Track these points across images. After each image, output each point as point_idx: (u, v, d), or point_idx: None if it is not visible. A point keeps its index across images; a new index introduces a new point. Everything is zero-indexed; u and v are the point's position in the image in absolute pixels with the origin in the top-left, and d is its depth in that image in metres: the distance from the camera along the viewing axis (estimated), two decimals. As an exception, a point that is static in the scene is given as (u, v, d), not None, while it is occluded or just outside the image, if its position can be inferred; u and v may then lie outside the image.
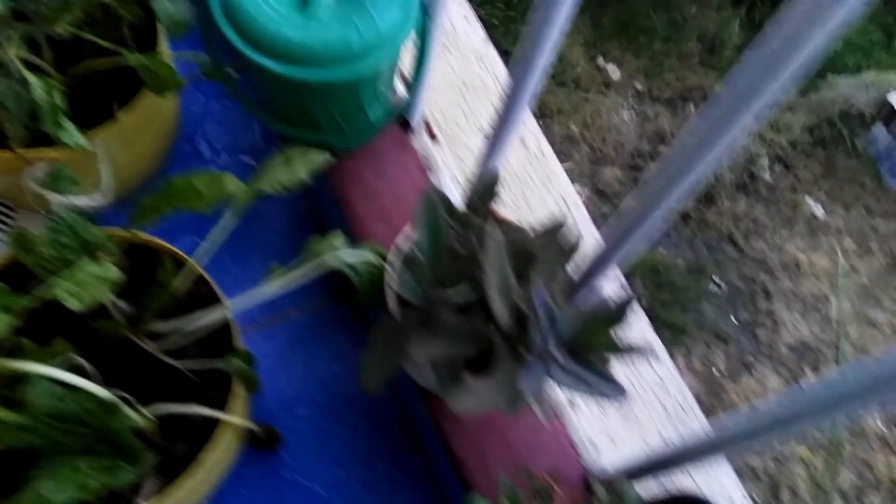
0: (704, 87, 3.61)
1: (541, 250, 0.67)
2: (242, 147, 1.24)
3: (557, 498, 0.65)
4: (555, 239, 0.67)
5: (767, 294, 3.16)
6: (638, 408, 0.89)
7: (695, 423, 0.89)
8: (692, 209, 3.37)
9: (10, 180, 0.99)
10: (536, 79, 0.68)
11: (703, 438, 0.64)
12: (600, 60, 3.72)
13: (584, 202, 1.07)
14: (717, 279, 3.16)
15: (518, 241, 0.70)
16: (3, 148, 0.93)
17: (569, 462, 0.84)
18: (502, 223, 0.76)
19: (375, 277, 0.82)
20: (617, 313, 0.57)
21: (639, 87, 3.69)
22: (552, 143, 1.08)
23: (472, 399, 0.61)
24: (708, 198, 3.40)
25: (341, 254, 0.83)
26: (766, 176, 3.48)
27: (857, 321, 3.15)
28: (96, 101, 1.05)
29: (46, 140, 0.90)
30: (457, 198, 0.96)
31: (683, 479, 0.84)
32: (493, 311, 0.64)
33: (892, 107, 3.30)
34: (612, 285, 0.71)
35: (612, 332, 0.57)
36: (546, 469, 0.69)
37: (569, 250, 0.67)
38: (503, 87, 0.70)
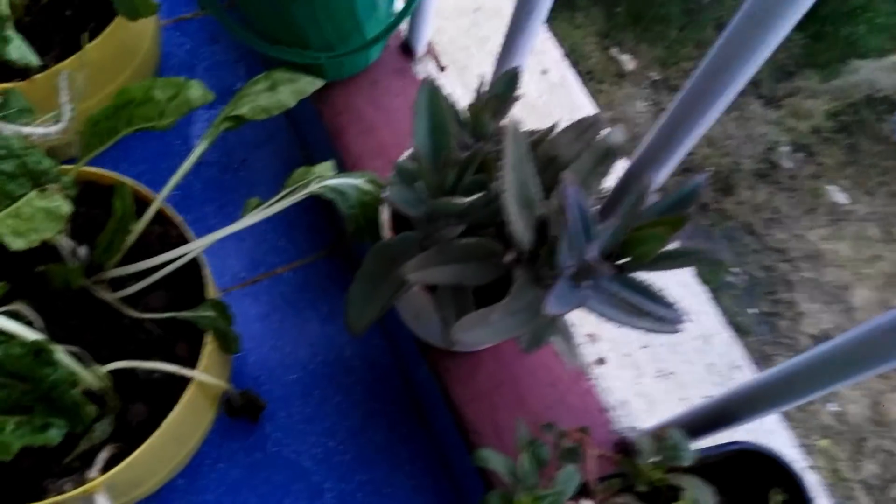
0: (723, 70, 3.49)
1: (571, 153, 0.54)
2: (230, 92, 1.12)
3: (590, 457, 0.52)
4: (589, 139, 0.55)
5: (788, 284, 3.04)
6: (678, 365, 0.76)
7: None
8: (710, 199, 3.26)
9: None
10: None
11: (758, 384, 0.52)
12: (614, 51, 3.60)
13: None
14: (736, 270, 3.04)
15: (542, 146, 0.57)
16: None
17: (598, 426, 0.71)
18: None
19: (368, 207, 0.70)
20: (682, 204, 0.44)
21: (654, 76, 3.57)
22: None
23: (486, 330, 0.49)
24: (726, 187, 3.28)
25: (329, 181, 0.71)
26: (787, 164, 3.36)
27: (882, 310, 3.03)
28: (66, 36, 0.95)
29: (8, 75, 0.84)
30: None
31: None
32: (511, 224, 0.51)
33: (920, 90, 3.16)
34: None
35: (666, 240, 0.44)
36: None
37: (605, 154, 0.54)
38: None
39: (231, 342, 0.77)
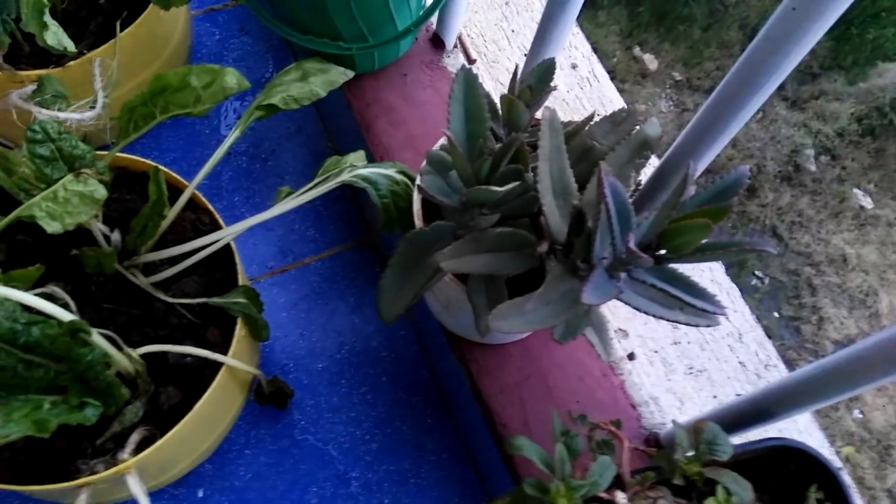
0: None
1: (606, 143, 0.54)
2: (259, 83, 1.13)
3: (623, 449, 0.52)
4: (624, 131, 0.55)
5: (812, 289, 3.00)
6: (709, 363, 0.76)
7: (778, 381, 0.76)
8: (733, 201, 3.24)
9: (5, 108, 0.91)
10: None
11: (793, 381, 0.51)
12: (637, 50, 3.58)
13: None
14: (759, 273, 3.01)
15: (577, 138, 0.57)
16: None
17: (628, 422, 0.71)
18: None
19: (399, 197, 0.70)
20: (722, 195, 0.44)
21: (677, 76, 3.55)
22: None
23: (521, 319, 0.48)
24: (750, 190, 3.25)
25: (360, 170, 0.71)
26: (812, 167, 3.32)
27: (907, 316, 2.99)
28: (100, 24, 0.96)
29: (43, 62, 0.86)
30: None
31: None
32: (546, 214, 0.51)
33: (949, 94, 3.11)
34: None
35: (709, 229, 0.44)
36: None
37: (641, 146, 0.54)
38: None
39: (261, 329, 0.78)
